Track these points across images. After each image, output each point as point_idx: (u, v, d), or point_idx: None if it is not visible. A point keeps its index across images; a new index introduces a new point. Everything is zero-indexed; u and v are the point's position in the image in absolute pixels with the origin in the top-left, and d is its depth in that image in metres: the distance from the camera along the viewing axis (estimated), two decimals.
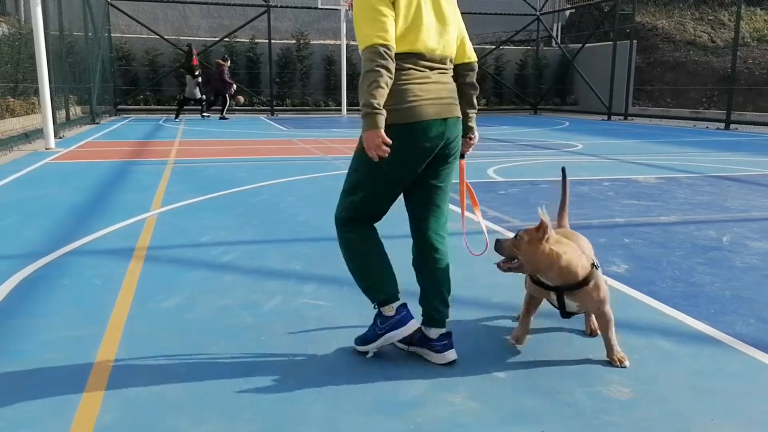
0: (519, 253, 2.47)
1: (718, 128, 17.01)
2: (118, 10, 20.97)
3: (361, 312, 3.03)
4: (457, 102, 2.47)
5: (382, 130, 2.20)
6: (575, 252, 2.46)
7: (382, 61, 2.18)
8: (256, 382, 2.32)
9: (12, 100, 13.07)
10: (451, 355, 2.47)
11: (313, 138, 12.72)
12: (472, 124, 2.68)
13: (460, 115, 2.46)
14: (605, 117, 22.02)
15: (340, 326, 2.86)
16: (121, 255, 4.00)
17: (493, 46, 25.86)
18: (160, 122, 17.33)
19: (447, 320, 2.57)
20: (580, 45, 24.44)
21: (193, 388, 2.27)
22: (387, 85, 2.20)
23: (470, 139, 2.71)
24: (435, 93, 2.35)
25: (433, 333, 2.50)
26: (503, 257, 2.54)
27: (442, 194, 2.58)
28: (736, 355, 2.58)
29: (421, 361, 2.50)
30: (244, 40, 22.75)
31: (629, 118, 21.58)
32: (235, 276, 3.59)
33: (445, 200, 2.61)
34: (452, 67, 2.50)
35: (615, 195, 6.37)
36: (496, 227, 4.85)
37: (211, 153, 10.02)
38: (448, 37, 2.41)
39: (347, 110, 21.86)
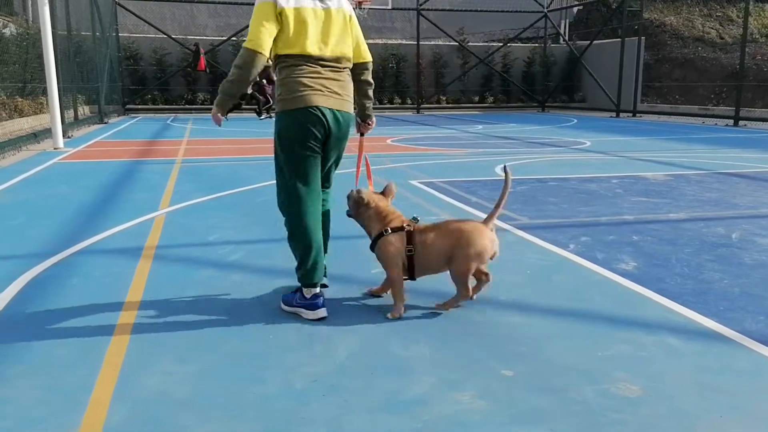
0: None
1: (726, 125, 16.90)
2: (126, 9, 21.05)
3: (370, 311, 3.04)
4: (350, 99, 3.02)
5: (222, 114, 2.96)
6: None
7: (249, 62, 2.78)
8: (263, 380, 2.32)
9: (20, 100, 13.15)
10: (322, 312, 2.95)
11: None
12: (369, 112, 3.32)
13: (351, 111, 3.03)
14: (613, 114, 21.92)
15: (348, 325, 2.86)
16: (130, 254, 4.02)
17: (500, 44, 25.78)
18: (168, 121, 17.40)
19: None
20: (588, 42, 24.34)
21: (200, 386, 2.28)
22: (245, 81, 2.84)
23: (368, 124, 3.34)
24: (326, 85, 2.88)
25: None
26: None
27: (334, 172, 3.29)
28: (744, 352, 2.57)
29: (428, 359, 2.50)
30: None
31: (638, 115, 21.48)
32: (244, 275, 3.60)
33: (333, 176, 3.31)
34: (348, 66, 3.03)
35: (624, 192, 6.35)
36: (504, 225, 4.84)
37: (218, 152, 10.04)
38: (338, 43, 2.93)
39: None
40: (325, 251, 3.22)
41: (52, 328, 2.81)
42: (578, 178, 7.33)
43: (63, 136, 10.31)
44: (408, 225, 3.02)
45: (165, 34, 21.28)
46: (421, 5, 23.40)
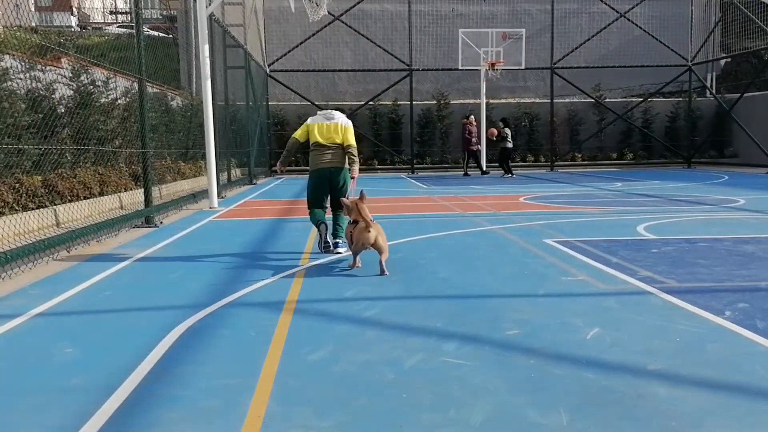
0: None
1: None
2: (276, 80, 22.89)
3: (504, 373, 2.97)
4: (339, 160, 6.28)
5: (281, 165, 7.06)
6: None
7: (292, 142, 6.52)
8: None
9: (182, 164, 14.57)
10: (341, 249, 6.21)
11: (452, 195, 12.85)
12: (353, 166, 6.32)
13: (340, 165, 6.28)
14: None
15: (484, 389, 2.81)
16: (272, 307, 4.26)
17: (640, 99, 24.83)
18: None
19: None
20: (738, 95, 22.78)
21: None
22: (290, 152, 6.64)
23: (352, 172, 6.30)
24: (322, 158, 6.26)
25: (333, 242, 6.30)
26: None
27: (339, 199, 6.08)
28: None
29: (565, 429, 2.38)
30: (387, 103, 23.77)
31: None
32: (378, 331, 3.67)
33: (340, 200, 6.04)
34: (339, 145, 6.30)
35: None
36: (649, 288, 4.56)
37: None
38: (330, 136, 6.28)
39: (486, 167, 21.88)
40: (336, 234, 6.34)
41: (203, 377, 3.02)
42: (732, 238, 6.77)
43: (217, 196, 11.24)
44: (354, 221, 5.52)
45: (309, 101, 22.77)
46: (555, 64, 23.25)
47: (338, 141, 6.23)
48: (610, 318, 3.85)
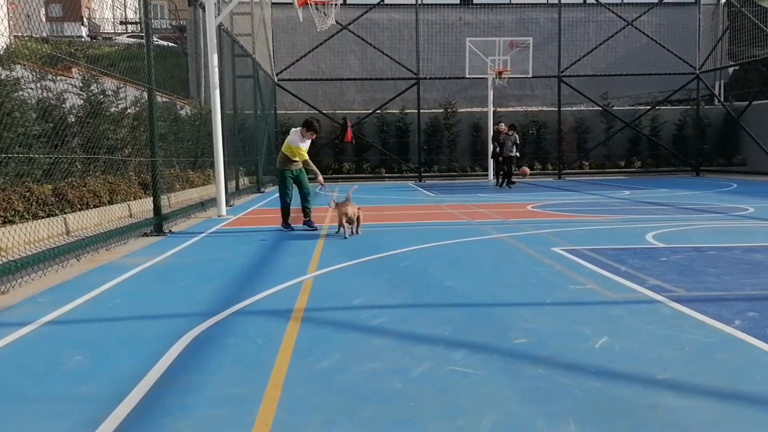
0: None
1: None
2: (284, 89, 23.00)
3: (512, 382, 2.96)
4: (300, 166, 8.83)
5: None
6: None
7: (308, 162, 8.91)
8: None
9: (191, 172, 14.64)
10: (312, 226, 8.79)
11: (459, 203, 12.84)
12: (313, 174, 8.87)
13: (301, 167, 8.84)
14: None
15: (492, 398, 2.81)
16: (280, 316, 4.26)
17: (648, 107, 24.79)
18: (317, 190, 18.43)
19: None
20: (747, 103, 22.70)
21: None
22: (283, 162, 8.85)
23: (316, 177, 8.94)
24: (296, 165, 8.77)
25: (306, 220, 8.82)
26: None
27: (304, 188, 8.85)
28: None
29: None
30: (395, 111, 23.84)
31: None
32: (385, 340, 3.67)
33: (306, 188, 8.84)
34: (302, 161, 8.81)
35: None
36: (658, 297, 4.54)
37: (362, 219, 10.43)
38: (300, 157, 8.73)
39: (494, 175, 21.86)
40: (307, 215, 8.77)
41: (211, 386, 3.02)
42: (741, 247, 6.73)
43: (226, 204, 11.28)
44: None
45: (316, 109, 22.86)
46: (562, 72, 23.26)
47: (302, 158, 8.82)
48: (619, 327, 3.83)
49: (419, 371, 3.13)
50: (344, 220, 7.86)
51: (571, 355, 3.31)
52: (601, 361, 3.22)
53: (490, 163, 21.57)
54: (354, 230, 8.07)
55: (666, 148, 24.54)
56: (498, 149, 17.55)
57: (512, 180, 17.75)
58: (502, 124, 17.94)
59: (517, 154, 17.60)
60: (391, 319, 4.11)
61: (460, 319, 4.11)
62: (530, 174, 20.07)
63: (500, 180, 17.91)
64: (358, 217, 8.03)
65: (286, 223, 8.80)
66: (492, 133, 18.39)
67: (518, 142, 17.52)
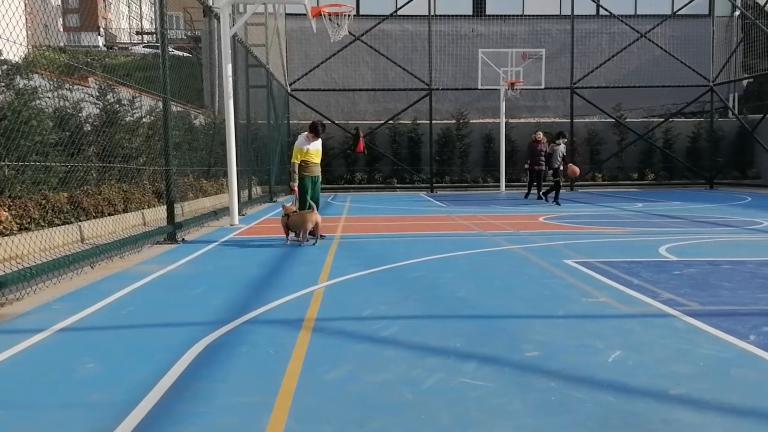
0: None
1: None
2: (297, 100, 23.14)
3: (524, 395, 2.94)
4: (318, 173, 9.11)
5: (295, 184, 8.97)
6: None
7: (293, 165, 9.02)
8: None
9: (204, 181, 14.73)
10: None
11: (471, 214, 12.82)
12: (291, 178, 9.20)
13: (319, 174, 9.11)
14: None
15: (503, 410, 2.79)
16: (291, 325, 4.27)
17: (661, 119, 24.68)
18: (329, 200, 18.48)
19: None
20: (761, 115, 22.54)
21: None
22: (294, 173, 9.01)
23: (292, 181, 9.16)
24: (311, 170, 8.99)
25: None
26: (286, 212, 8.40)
27: (317, 194, 9.07)
28: None
29: None
30: (407, 122, 23.89)
31: None
32: (396, 350, 3.67)
33: (317, 197, 8.97)
34: (318, 162, 9.12)
35: None
36: (671, 311, 4.50)
37: (373, 229, 10.46)
38: (318, 157, 9.10)
39: (506, 186, 21.82)
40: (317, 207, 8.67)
41: (222, 394, 3.03)
42: (756, 261, 6.66)
43: (238, 213, 11.34)
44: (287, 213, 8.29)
45: (329, 120, 22.94)
46: (574, 83, 23.24)
47: (319, 160, 9.17)
48: (632, 340, 3.81)
49: (430, 383, 3.12)
50: (310, 227, 8.17)
51: (584, 369, 3.29)
52: (614, 375, 3.20)
53: (503, 172, 21.53)
54: (317, 236, 8.39)
55: (679, 161, 24.39)
56: (542, 160, 15.98)
57: (548, 193, 16.03)
58: (540, 133, 16.84)
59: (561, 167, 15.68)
60: (402, 330, 4.10)
61: (472, 330, 4.09)
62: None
63: (545, 195, 16.13)
64: (316, 224, 8.27)
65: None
66: (534, 144, 16.43)
67: (564, 153, 15.76)
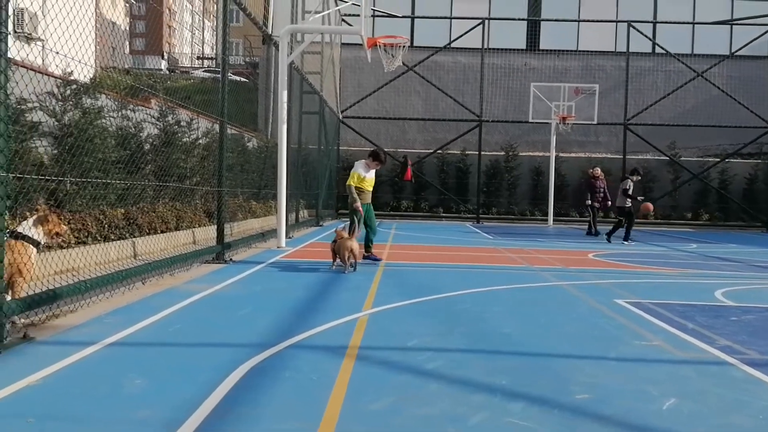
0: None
1: None
2: (348, 126, 23.46)
3: (562, 425, 2.84)
4: (369, 200, 9.33)
5: (358, 203, 8.95)
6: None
7: (351, 188, 9.13)
8: None
9: (254, 203, 15.00)
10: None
11: (518, 247, 12.65)
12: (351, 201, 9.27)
13: (369, 202, 9.34)
14: None
15: None
16: (335, 352, 4.26)
17: (717, 159, 24.01)
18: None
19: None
20: None
21: None
22: (352, 195, 9.07)
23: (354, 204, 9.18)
24: (363, 198, 9.15)
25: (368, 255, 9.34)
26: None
27: (371, 223, 9.31)
28: None
29: None
30: (456, 152, 23.89)
31: None
32: (440, 385, 3.61)
33: (372, 223, 9.37)
34: (371, 191, 9.41)
35: None
36: (728, 359, 4.31)
37: (418, 258, 10.42)
38: (371, 186, 9.41)
39: (554, 220, 21.49)
40: (368, 249, 9.34)
41: (265, 419, 3.03)
42: None
43: (285, 236, 11.47)
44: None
45: (378, 147, 23.19)
46: (628, 120, 22.86)
47: (372, 187, 9.49)
48: (688, 388, 3.65)
49: (476, 420, 3.05)
50: (347, 255, 8.03)
51: (637, 415, 3.17)
52: (668, 424, 3.07)
53: (551, 206, 21.23)
54: (354, 266, 8.17)
55: (735, 202, 23.62)
56: (600, 195, 15.95)
57: (613, 232, 14.86)
58: (598, 169, 16.70)
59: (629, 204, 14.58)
60: (447, 364, 4.04)
61: (518, 368, 4.00)
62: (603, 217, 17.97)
63: (609, 235, 14.81)
64: (352, 251, 8.12)
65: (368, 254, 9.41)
66: (591, 180, 16.30)
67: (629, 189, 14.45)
